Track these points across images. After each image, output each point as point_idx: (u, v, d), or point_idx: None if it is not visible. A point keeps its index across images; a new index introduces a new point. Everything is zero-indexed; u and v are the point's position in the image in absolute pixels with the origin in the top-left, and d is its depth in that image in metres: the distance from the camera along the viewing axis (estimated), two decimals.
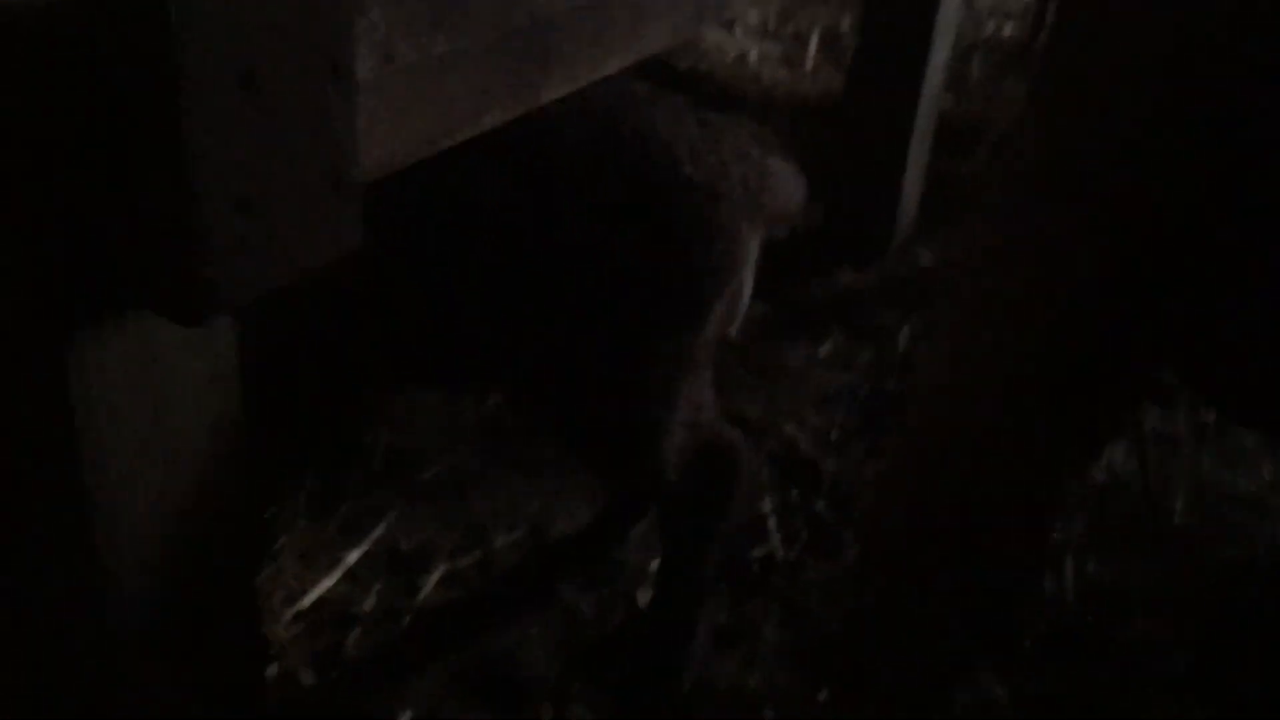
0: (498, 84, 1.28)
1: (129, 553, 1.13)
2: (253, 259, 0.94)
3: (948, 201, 3.19)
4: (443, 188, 1.54)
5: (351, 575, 1.99)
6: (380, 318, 1.66)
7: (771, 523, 2.18)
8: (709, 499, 1.82)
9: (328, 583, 1.96)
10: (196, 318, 0.92)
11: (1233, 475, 2.40)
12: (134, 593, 1.15)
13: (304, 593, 1.94)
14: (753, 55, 3.84)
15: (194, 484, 1.16)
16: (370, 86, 1.09)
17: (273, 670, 1.82)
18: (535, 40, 1.30)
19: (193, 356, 1.11)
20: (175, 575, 1.20)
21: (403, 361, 1.77)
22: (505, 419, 2.32)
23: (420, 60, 1.16)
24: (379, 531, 2.07)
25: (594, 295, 1.61)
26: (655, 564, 2.03)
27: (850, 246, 3.00)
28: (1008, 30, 4.14)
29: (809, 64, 3.81)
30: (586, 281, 1.60)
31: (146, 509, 1.13)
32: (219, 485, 1.20)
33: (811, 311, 2.79)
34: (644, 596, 2.01)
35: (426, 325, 1.67)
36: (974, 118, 3.56)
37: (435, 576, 2.01)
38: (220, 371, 1.14)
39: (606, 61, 1.46)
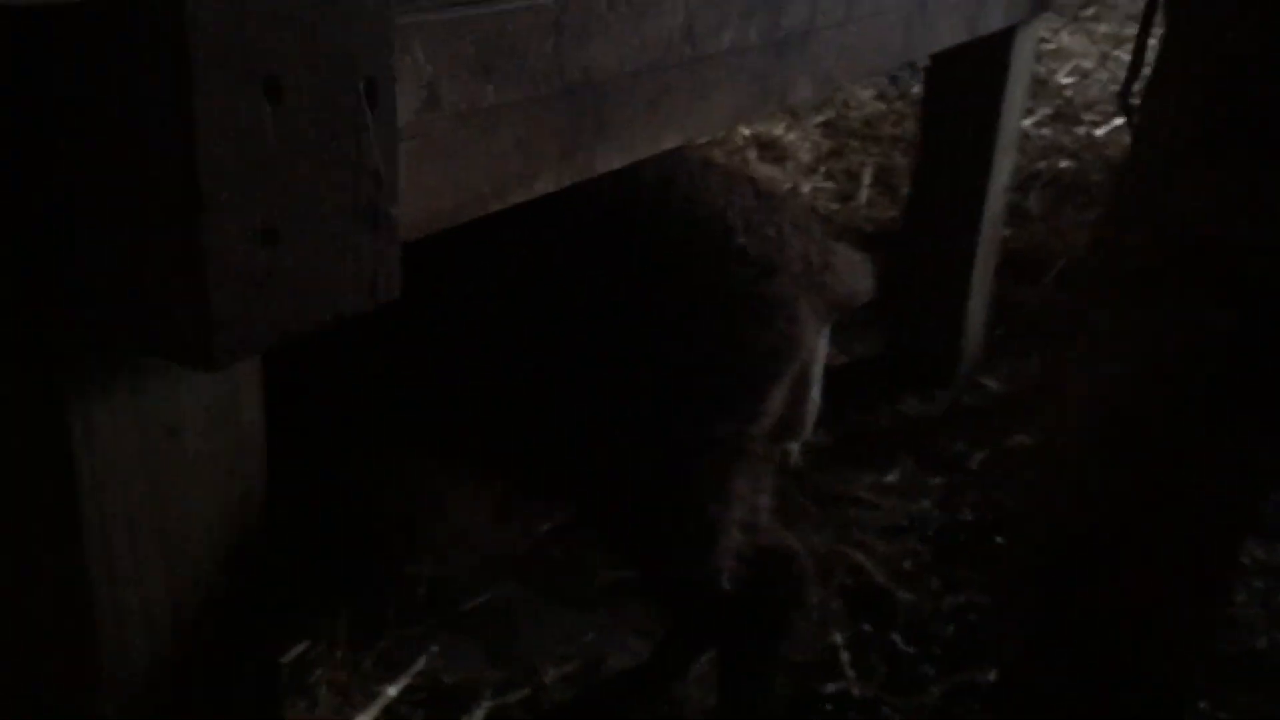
0: (550, 144, 1.19)
1: (134, 655, 1.00)
2: (276, 298, 0.83)
3: (1016, 330, 3.08)
4: (480, 253, 1.44)
5: (390, 711, 1.84)
6: (425, 386, 1.56)
7: (845, 657, 2.01)
8: (769, 613, 1.65)
9: (364, 719, 1.81)
10: (211, 361, 0.81)
11: None
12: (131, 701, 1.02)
13: None
14: (805, 190, 3.78)
15: (205, 578, 1.04)
16: (415, 130, 1.01)
17: None
18: (589, 101, 1.22)
19: (215, 428, 1.00)
20: (181, 690, 1.06)
21: (448, 434, 1.64)
22: (554, 549, 2.18)
23: (468, 108, 1.07)
24: (420, 665, 1.93)
25: (638, 374, 1.48)
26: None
27: (915, 375, 2.89)
28: (1063, 164, 4.07)
29: (862, 197, 3.75)
30: (630, 358, 1.47)
31: (151, 607, 1.00)
32: (236, 579, 1.07)
33: (877, 440, 2.65)
34: None
35: (468, 394, 1.55)
36: (1037, 248, 3.47)
37: (480, 713, 1.86)
38: (245, 445, 1.02)
39: (664, 134, 1.37)
